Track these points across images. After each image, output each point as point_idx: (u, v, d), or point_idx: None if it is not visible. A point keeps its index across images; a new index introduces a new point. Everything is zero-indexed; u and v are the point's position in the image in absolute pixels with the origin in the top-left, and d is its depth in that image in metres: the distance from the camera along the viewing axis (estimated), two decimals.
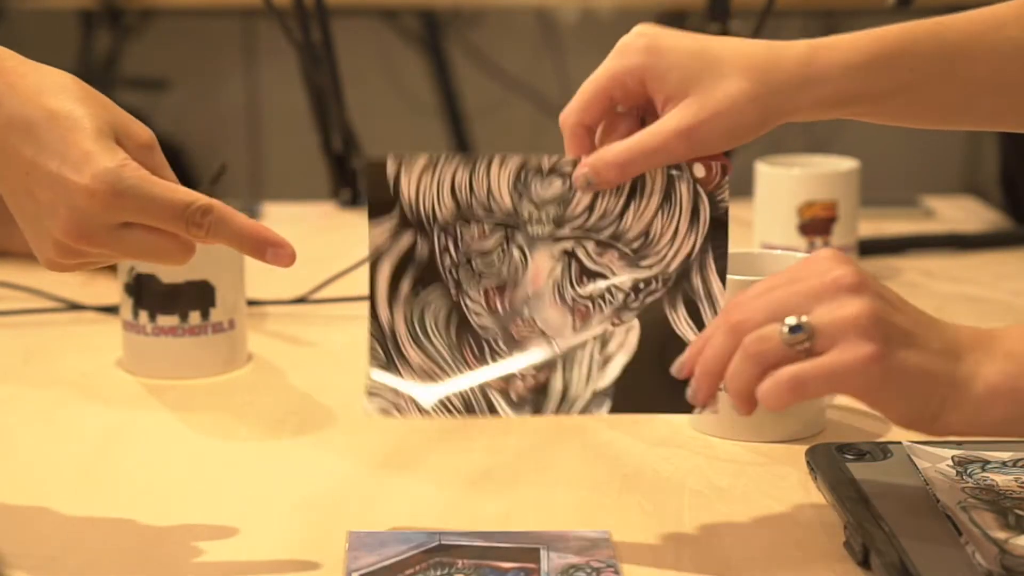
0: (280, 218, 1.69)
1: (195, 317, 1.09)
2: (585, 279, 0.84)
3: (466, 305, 0.84)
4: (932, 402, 0.75)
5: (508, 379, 0.84)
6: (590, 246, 0.83)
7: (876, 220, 1.58)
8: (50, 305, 1.28)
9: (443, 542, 0.80)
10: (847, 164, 1.38)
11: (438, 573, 0.77)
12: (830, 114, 0.86)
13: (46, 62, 0.85)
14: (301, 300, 1.29)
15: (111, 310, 1.23)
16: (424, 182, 0.83)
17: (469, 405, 0.84)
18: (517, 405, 0.84)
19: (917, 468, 0.86)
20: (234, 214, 0.81)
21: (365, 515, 0.86)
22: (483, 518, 0.85)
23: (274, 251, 0.82)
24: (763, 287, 0.78)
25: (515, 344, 0.84)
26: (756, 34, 1.46)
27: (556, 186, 0.84)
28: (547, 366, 0.84)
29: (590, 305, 0.83)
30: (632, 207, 0.83)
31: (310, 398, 1.07)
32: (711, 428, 0.98)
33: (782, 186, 1.35)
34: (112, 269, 1.20)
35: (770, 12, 1.46)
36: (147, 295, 1.09)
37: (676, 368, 0.81)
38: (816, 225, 1.35)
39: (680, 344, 0.82)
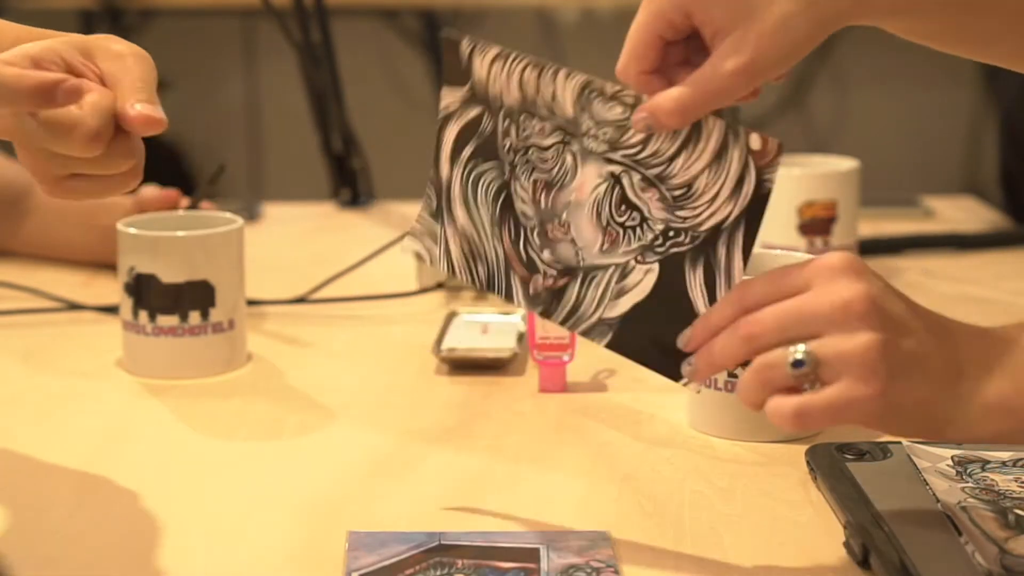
0: (280, 218, 1.69)
1: (195, 317, 1.09)
2: (624, 208, 0.83)
3: (515, 190, 0.84)
4: (930, 425, 0.77)
5: (532, 270, 0.84)
6: (636, 178, 0.82)
7: (876, 220, 1.58)
8: (50, 305, 1.28)
9: (443, 542, 0.80)
10: (847, 164, 1.38)
11: (438, 573, 0.77)
12: (881, 23, 0.82)
13: None
14: (301, 300, 1.29)
15: (111, 310, 1.23)
16: (495, 68, 0.84)
17: (491, 281, 0.85)
18: (532, 299, 0.84)
19: (917, 468, 0.86)
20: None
21: (365, 515, 0.86)
22: (483, 518, 0.85)
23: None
24: (773, 286, 0.78)
25: (547, 242, 0.84)
26: None
27: (616, 112, 0.82)
28: (570, 272, 0.84)
29: (620, 232, 0.83)
30: (683, 155, 0.82)
31: (310, 398, 1.07)
32: (711, 428, 0.98)
33: (782, 186, 1.34)
34: (112, 269, 1.20)
35: None
36: (147, 295, 1.09)
37: (683, 341, 0.80)
38: (816, 225, 1.35)
39: (688, 307, 0.82)
